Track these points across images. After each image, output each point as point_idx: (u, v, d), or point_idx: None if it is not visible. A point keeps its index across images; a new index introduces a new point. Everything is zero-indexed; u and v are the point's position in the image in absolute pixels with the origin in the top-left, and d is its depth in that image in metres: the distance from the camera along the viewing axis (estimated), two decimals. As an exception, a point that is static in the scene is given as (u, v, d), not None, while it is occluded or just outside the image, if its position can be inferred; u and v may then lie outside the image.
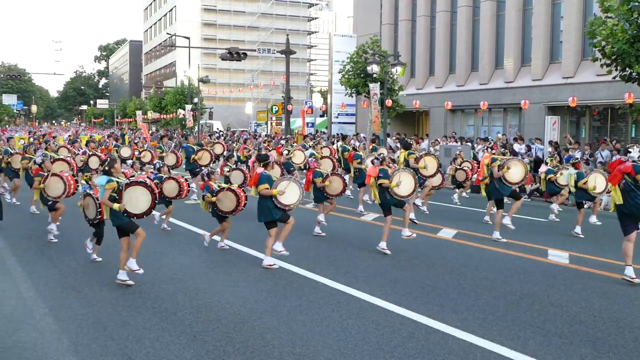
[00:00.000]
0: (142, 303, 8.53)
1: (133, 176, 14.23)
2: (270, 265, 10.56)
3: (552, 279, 10.10)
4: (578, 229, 14.14)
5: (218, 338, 7.16)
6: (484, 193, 13.93)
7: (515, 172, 13.28)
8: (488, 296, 9.01)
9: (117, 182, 9.29)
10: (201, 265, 10.96)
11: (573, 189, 14.44)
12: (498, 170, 13.18)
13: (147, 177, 14.34)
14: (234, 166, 15.41)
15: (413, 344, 6.98)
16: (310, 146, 21.50)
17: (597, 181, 13.92)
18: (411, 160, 15.47)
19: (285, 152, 20.01)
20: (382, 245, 11.86)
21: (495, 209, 14.10)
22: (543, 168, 16.95)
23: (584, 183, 13.97)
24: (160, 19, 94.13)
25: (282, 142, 29.94)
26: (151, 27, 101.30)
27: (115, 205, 9.12)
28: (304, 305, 8.45)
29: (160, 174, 13.88)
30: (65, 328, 7.52)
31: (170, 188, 13.64)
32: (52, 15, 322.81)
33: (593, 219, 14.99)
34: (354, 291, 9.18)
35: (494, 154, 13.74)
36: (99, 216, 10.45)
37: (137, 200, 9.29)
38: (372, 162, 12.79)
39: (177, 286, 9.47)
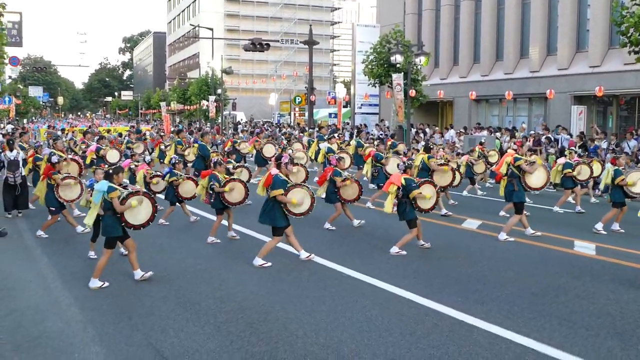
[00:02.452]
0: (167, 293, 8.57)
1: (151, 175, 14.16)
2: (308, 257, 10.52)
3: (578, 270, 9.99)
4: (616, 226, 13.43)
5: (242, 328, 7.18)
6: (502, 192, 12.95)
7: (536, 177, 12.55)
8: (513, 288, 8.93)
9: (120, 191, 8.95)
10: (225, 256, 10.99)
11: (604, 184, 13.51)
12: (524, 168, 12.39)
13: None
14: (236, 163, 15.27)
15: (437, 335, 6.95)
16: (325, 139, 20.62)
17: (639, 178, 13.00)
18: (433, 164, 15.03)
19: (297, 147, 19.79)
20: (420, 242, 11.55)
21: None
22: (561, 160, 16.31)
23: (622, 180, 12.90)
24: (184, 10, 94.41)
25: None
26: (175, 18, 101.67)
27: (134, 202, 8.84)
28: (328, 296, 8.44)
29: (175, 170, 13.68)
30: (90, 318, 7.59)
31: (188, 189, 13.50)
32: (77, 8, 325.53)
33: (616, 226, 14.24)
34: (377, 282, 9.16)
35: (517, 152, 12.88)
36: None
37: (137, 211, 9.02)
38: (398, 166, 11.85)
39: (201, 277, 9.50)
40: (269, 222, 10.26)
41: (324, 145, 19.11)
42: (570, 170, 15.77)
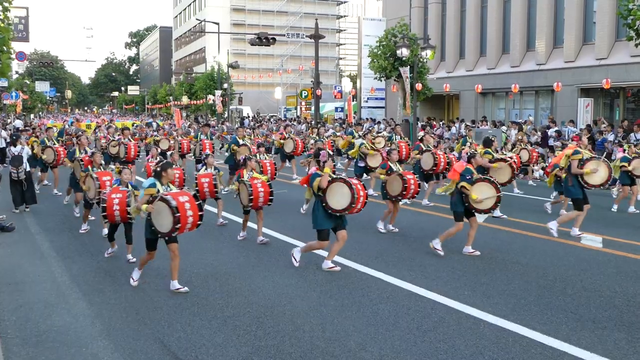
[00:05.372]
0: (174, 287, 8.58)
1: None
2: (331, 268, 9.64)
3: (585, 263, 9.97)
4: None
5: (249, 322, 7.20)
6: (550, 184, 13.24)
7: (599, 174, 11.67)
8: (520, 281, 8.92)
9: (158, 190, 8.34)
10: (232, 250, 11.01)
11: None
12: (578, 167, 11.68)
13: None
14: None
15: (444, 329, 6.95)
16: (359, 135, 20.28)
17: None
18: (482, 160, 12.88)
19: (312, 141, 19.67)
20: (438, 244, 10.62)
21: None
22: (618, 154, 15.21)
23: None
24: (190, 4, 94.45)
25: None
26: (181, 13, 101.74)
27: (144, 206, 8.18)
28: (334, 290, 8.45)
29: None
30: (98, 312, 7.62)
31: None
32: (83, 2, 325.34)
33: (631, 208, 14.36)
34: (384, 276, 9.16)
35: (578, 146, 12.10)
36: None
37: (162, 217, 8.15)
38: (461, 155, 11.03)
39: (208, 271, 9.53)
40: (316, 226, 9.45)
41: (359, 142, 18.90)
42: (626, 164, 14.73)
